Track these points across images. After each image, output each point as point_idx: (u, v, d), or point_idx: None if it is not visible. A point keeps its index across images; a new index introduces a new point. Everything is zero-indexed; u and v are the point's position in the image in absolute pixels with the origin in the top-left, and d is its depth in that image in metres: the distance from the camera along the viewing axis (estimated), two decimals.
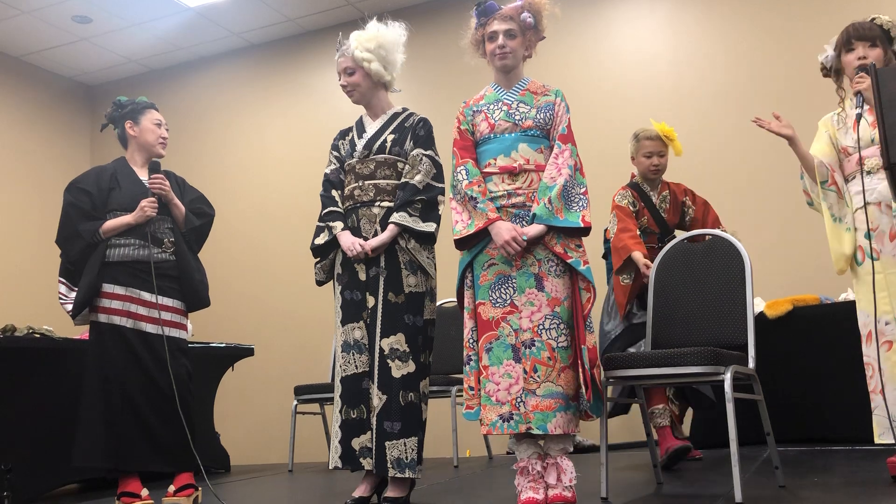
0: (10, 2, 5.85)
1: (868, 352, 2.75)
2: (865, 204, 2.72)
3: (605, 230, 3.79)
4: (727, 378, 2.52)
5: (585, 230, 2.59)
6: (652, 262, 3.20)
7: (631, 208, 3.67)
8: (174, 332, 3.27)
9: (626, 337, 3.59)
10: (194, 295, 3.35)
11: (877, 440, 2.73)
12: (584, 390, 2.51)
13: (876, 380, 2.70)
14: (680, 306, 3.02)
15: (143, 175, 3.37)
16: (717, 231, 3.21)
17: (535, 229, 2.54)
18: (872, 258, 2.74)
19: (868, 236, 2.74)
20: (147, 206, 3.23)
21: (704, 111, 5.26)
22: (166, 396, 3.14)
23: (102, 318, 3.20)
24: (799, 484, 2.79)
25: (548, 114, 2.68)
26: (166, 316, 3.26)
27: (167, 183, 3.31)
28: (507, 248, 2.53)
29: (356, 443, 2.85)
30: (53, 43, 6.54)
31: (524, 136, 2.65)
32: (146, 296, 3.22)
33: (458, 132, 2.74)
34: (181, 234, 3.35)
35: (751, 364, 2.73)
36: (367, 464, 2.81)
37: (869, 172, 2.75)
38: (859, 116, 2.69)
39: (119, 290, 3.21)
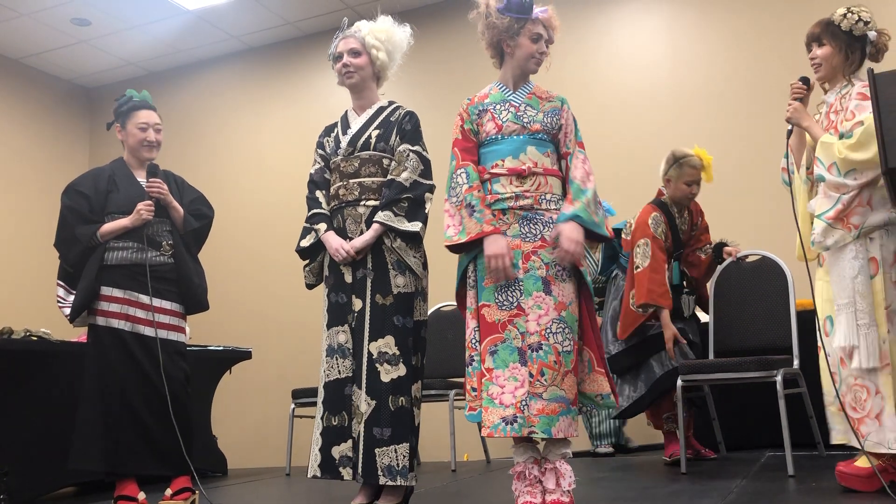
0: (9, 4, 5.85)
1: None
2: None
3: (622, 237, 3.93)
4: (778, 379, 3.17)
5: (610, 240, 2.67)
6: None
7: (662, 238, 3.70)
8: (172, 336, 3.26)
9: (637, 350, 3.68)
10: (192, 298, 3.34)
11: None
12: (609, 391, 2.55)
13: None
14: (735, 316, 3.74)
15: (140, 177, 3.35)
16: (763, 252, 3.78)
17: (577, 231, 2.52)
18: (819, 264, 2.81)
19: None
20: (143, 209, 3.21)
21: (703, 113, 5.26)
22: (164, 400, 3.13)
23: (100, 321, 3.19)
24: (796, 487, 2.80)
25: (554, 119, 2.67)
26: (164, 319, 3.25)
27: (165, 187, 3.29)
28: (495, 261, 2.48)
29: (336, 451, 2.76)
30: (52, 45, 6.54)
31: (533, 139, 2.64)
32: (144, 299, 3.21)
33: (460, 131, 2.69)
34: (180, 236, 3.34)
35: (795, 363, 3.42)
36: (347, 473, 2.72)
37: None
38: (789, 133, 2.86)
39: (117, 293, 3.20)
